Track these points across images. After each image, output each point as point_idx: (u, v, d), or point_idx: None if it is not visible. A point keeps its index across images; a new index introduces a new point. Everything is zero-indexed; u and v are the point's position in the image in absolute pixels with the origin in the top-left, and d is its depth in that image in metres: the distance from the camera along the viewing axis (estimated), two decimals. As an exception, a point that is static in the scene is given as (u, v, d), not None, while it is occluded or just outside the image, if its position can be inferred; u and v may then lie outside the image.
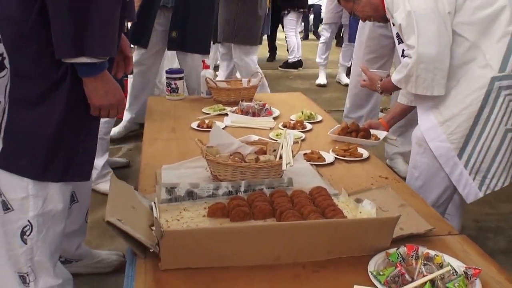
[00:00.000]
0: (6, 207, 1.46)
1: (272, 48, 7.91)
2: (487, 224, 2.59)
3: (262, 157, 1.64)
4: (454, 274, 1.10)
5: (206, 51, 3.42)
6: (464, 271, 1.10)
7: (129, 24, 2.97)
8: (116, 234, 1.16)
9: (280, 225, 1.24)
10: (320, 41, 6.02)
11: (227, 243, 1.15)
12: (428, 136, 1.99)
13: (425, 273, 1.10)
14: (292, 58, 7.15)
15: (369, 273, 1.14)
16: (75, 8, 1.32)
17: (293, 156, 1.64)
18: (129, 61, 1.80)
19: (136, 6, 2.06)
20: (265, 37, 7.22)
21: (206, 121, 2.30)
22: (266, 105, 2.55)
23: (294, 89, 5.51)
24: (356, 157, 1.95)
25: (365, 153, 1.98)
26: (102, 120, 1.69)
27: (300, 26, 7.84)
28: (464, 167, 1.92)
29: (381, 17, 2.16)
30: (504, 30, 1.89)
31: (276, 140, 1.94)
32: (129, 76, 3.38)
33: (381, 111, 3.72)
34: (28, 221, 1.48)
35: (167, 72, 2.83)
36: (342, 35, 6.55)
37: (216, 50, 5.05)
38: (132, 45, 2.76)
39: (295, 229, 1.19)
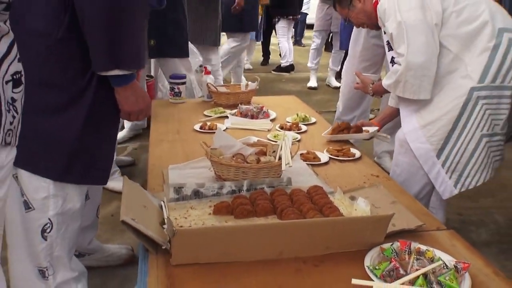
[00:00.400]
0: (28, 207, 1.45)
1: (266, 53, 7.90)
2: (470, 217, 2.60)
3: (262, 158, 1.63)
4: (445, 268, 1.10)
5: (184, 55, 3.36)
6: (454, 265, 1.10)
7: None
8: (130, 231, 1.16)
9: (282, 223, 1.24)
10: (311, 47, 6.01)
11: (233, 240, 1.15)
12: (410, 138, 2.01)
13: (417, 267, 1.10)
14: (284, 63, 7.14)
15: (366, 267, 1.14)
16: (109, 25, 1.33)
17: (292, 157, 1.64)
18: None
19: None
20: (259, 42, 7.27)
21: (208, 123, 2.29)
22: (264, 108, 2.54)
23: (286, 92, 5.52)
24: (349, 157, 1.95)
25: (357, 153, 1.98)
26: None
27: (292, 32, 7.78)
28: (441, 166, 1.95)
29: (374, 24, 2.17)
30: (486, 45, 1.90)
31: (275, 142, 1.93)
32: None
33: (371, 111, 3.73)
34: (49, 219, 1.47)
35: (170, 77, 2.82)
36: (331, 41, 6.54)
37: None
38: None
39: (296, 226, 1.20)
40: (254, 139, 1.93)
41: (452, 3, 1.94)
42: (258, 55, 7.61)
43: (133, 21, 1.39)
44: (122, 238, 2.22)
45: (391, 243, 1.19)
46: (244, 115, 2.46)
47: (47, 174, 1.45)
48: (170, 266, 1.13)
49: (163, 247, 1.15)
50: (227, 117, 2.47)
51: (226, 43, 5.15)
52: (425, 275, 1.08)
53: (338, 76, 5.86)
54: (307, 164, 1.83)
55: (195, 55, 3.55)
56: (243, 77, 5.49)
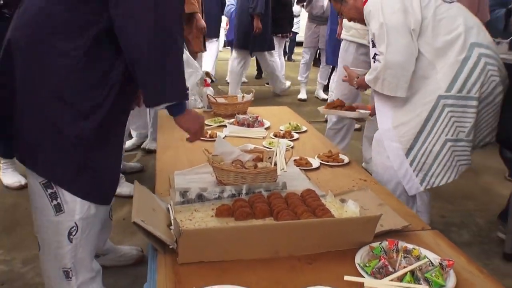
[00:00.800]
0: (60, 209, 1.42)
1: (260, 68, 7.89)
2: (452, 219, 2.59)
3: (259, 164, 1.63)
4: (431, 265, 1.10)
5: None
6: (439, 263, 1.10)
7: None
8: (140, 232, 1.16)
9: (278, 224, 1.23)
10: (301, 62, 6.02)
11: (234, 240, 1.14)
12: (385, 137, 2.03)
13: (405, 265, 1.10)
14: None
15: (357, 265, 1.13)
16: (157, 65, 1.33)
17: (286, 162, 1.64)
18: None
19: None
20: (253, 58, 7.27)
21: (209, 132, 2.28)
22: (259, 117, 2.54)
23: (279, 103, 5.51)
24: (338, 162, 1.95)
25: (346, 159, 1.98)
26: None
27: (283, 49, 7.76)
28: (409, 165, 1.95)
29: (363, 20, 2.15)
30: (456, 57, 1.90)
31: (270, 149, 1.93)
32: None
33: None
34: (75, 223, 1.44)
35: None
36: (319, 57, 6.55)
37: None
38: None
39: (291, 227, 1.19)
40: (251, 146, 1.92)
41: (432, 13, 1.93)
42: (252, 69, 7.61)
43: (177, 58, 1.40)
44: (132, 240, 2.20)
45: (379, 242, 1.19)
46: (241, 124, 2.46)
47: (60, 183, 1.41)
48: (177, 265, 1.13)
49: (170, 247, 1.15)
50: (225, 126, 2.46)
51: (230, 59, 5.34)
52: (412, 272, 1.08)
53: (325, 89, 5.87)
54: (300, 169, 1.83)
55: (196, 69, 3.54)
56: (239, 89, 5.50)
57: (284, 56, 8.52)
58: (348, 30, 3.12)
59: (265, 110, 2.99)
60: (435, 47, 1.92)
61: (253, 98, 2.81)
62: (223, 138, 2.12)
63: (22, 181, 2.83)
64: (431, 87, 1.91)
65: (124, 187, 2.67)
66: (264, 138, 2.29)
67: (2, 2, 1.37)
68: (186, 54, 3.60)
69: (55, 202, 1.42)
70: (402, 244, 1.17)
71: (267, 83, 7.12)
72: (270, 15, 5.37)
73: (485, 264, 2.13)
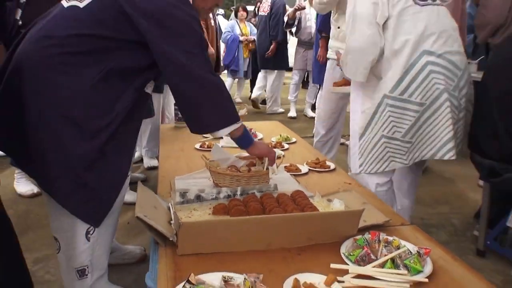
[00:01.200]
0: None
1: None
2: (430, 221, 2.60)
3: (253, 168, 1.64)
4: (409, 253, 1.10)
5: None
6: (417, 251, 1.10)
7: None
8: (143, 226, 1.15)
9: (270, 217, 1.22)
10: (291, 83, 6.08)
11: (229, 232, 1.14)
12: (354, 121, 2.09)
13: (386, 253, 1.10)
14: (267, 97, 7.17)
15: (342, 254, 1.14)
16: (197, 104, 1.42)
17: (277, 167, 1.64)
18: None
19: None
20: (248, 80, 7.33)
21: (207, 143, 2.29)
22: (252, 129, 2.54)
23: (270, 119, 5.53)
24: (325, 169, 1.95)
25: (332, 165, 1.99)
26: None
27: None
28: (358, 148, 2.02)
29: None
30: (405, 60, 1.85)
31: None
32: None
33: (342, 136, 3.76)
34: None
35: (175, 104, 2.81)
36: (307, 80, 6.61)
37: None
38: None
39: (282, 220, 1.19)
40: (245, 153, 1.93)
41: (397, 12, 1.87)
42: (246, 91, 7.65)
43: (215, 98, 1.46)
44: (136, 241, 2.19)
45: (363, 235, 1.19)
46: (236, 135, 2.47)
47: (58, 200, 1.37)
48: (177, 256, 1.12)
49: (170, 239, 1.14)
50: (221, 137, 2.46)
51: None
52: (392, 260, 1.08)
53: (313, 107, 5.90)
54: (290, 174, 1.83)
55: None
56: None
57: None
58: (334, 49, 3.08)
59: (257, 124, 3.01)
60: (393, 47, 1.88)
61: (247, 113, 2.82)
62: (220, 148, 2.14)
63: (35, 189, 2.81)
64: (382, 85, 1.91)
65: (128, 195, 2.65)
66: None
67: (20, 23, 1.37)
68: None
69: None
70: (383, 235, 1.17)
71: (261, 103, 7.16)
72: (286, 41, 5.85)
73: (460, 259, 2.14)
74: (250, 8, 7.86)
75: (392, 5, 1.87)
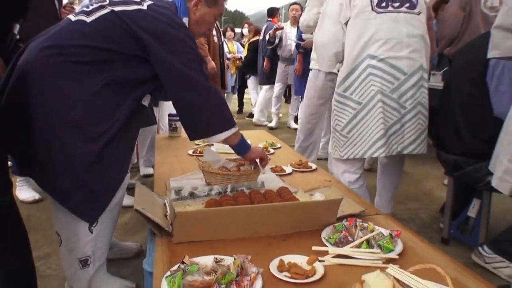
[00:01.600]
0: None
1: (241, 104, 7.92)
2: (401, 216, 2.61)
3: (242, 168, 1.65)
4: (382, 235, 1.13)
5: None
6: (389, 233, 1.13)
7: None
8: (140, 226, 1.15)
9: (257, 207, 1.23)
10: (273, 96, 6.12)
11: (221, 221, 1.15)
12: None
13: (361, 236, 1.12)
14: (255, 110, 7.21)
15: (322, 238, 1.16)
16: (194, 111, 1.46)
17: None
18: None
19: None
20: (235, 95, 7.38)
21: (199, 149, 2.30)
22: (241, 137, 2.57)
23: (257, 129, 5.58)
24: (307, 169, 1.98)
25: (313, 166, 2.01)
26: None
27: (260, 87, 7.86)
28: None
29: None
30: (353, 60, 1.93)
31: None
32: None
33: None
34: None
35: (169, 115, 2.82)
36: (289, 94, 6.66)
37: None
38: None
39: (268, 209, 1.21)
40: (234, 156, 1.94)
41: (353, 16, 1.93)
42: (234, 105, 7.69)
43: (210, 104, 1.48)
44: (133, 239, 2.16)
45: (341, 221, 1.21)
46: (225, 142, 2.47)
47: (55, 197, 1.37)
48: (172, 244, 1.13)
49: (166, 229, 1.15)
50: (212, 145, 2.48)
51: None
52: (367, 241, 1.10)
53: (296, 119, 5.95)
54: (276, 174, 1.85)
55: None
56: None
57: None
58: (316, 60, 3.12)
59: (245, 133, 2.99)
60: (347, 46, 1.95)
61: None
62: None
63: (36, 196, 2.75)
64: (336, 80, 2.04)
65: (125, 199, 2.62)
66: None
67: (18, 36, 1.37)
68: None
69: None
70: (359, 221, 1.20)
71: (247, 116, 7.19)
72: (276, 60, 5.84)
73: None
74: (237, 30, 8.02)
75: (352, 7, 1.92)
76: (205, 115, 1.45)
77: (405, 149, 1.97)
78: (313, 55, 3.16)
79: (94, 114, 1.35)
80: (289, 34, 5.48)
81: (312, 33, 3.05)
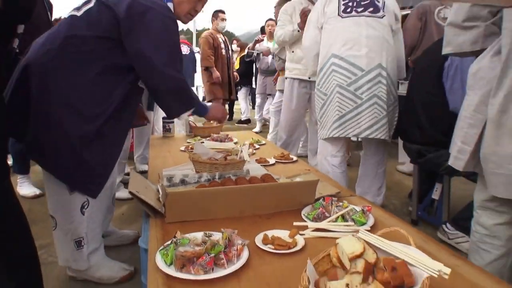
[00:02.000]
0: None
1: (231, 113, 7.93)
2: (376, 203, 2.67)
3: (229, 157, 1.65)
4: (355, 211, 1.14)
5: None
6: (361, 209, 1.14)
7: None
8: (136, 216, 1.14)
9: (243, 187, 1.23)
10: (256, 105, 6.16)
11: (210, 202, 1.15)
12: None
13: (337, 212, 1.13)
14: (244, 117, 7.21)
15: (302, 215, 1.16)
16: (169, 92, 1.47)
17: (249, 156, 1.67)
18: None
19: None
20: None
21: (190, 146, 2.29)
22: (229, 135, 2.57)
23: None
24: (289, 160, 1.99)
25: (294, 158, 2.02)
26: (123, 147, 1.69)
27: (249, 97, 7.84)
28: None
29: None
30: (321, 60, 2.12)
31: (237, 147, 1.96)
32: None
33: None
34: (87, 198, 1.40)
35: (163, 118, 2.81)
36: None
37: None
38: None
39: (253, 189, 1.21)
40: (221, 149, 1.94)
41: (325, 20, 2.11)
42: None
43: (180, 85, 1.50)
44: (130, 228, 2.14)
45: (319, 200, 1.22)
46: (215, 140, 2.46)
47: (57, 175, 1.37)
48: (165, 224, 1.12)
49: (159, 210, 1.13)
50: (203, 142, 2.47)
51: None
52: (342, 216, 1.11)
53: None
54: (260, 165, 1.85)
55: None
56: None
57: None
58: (291, 70, 3.15)
59: (233, 132, 3.03)
60: (320, 47, 2.14)
61: (224, 123, 2.84)
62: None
63: (37, 191, 2.69)
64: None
65: (122, 193, 2.60)
66: (233, 149, 2.31)
67: (17, 50, 1.37)
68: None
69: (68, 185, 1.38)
70: (335, 200, 1.21)
71: (237, 123, 7.19)
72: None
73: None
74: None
75: (324, 13, 2.11)
76: (168, 99, 1.47)
77: (361, 133, 2.07)
78: (287, 65, 3.20)
79: (91, 98, 1.36)
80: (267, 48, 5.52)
81: (285, 47, 3.13)
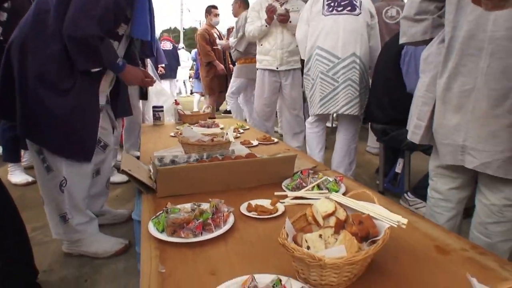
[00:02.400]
0: (50, 169, 1.39)
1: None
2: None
3: (215, 139, 1.65)
4: (329, 181, 1.17)
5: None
6: (334, 179, 1.17)
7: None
8: (129, 197, 1.14)
9: (228, 162, 1.24)
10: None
11: (198, 177, 1.16)
12: None
13: (313, 182, 1.16)
14: (229, 108, 7.15)
15: (283, 186, 1.18)
16: (84, 51, 1.38)
17: (234, 138, 1.68)
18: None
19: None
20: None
21: (179, 132, 2.27)
22: (215, 121, 2.57)
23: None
24: (270, 142, 2.01)
25: (275, 139, 2.05)
26: (115, 134, 1.68)
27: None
28: None
29: None
30: (309, 51, 2.34)
31: (223, 130, 1.97)
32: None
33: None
34: (64, 177, 1.40)
35: (153, 107, 2.78)
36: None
37: None
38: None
39: (237, 164, 1.22)
40: (208, 133, 1.94)
41: (312, 18, 2.31)
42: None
43: (100, 49, 1.40)
44: (123, 209, 2.14)
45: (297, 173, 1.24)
46: (202, 126, 2.46)
47: (49, 148, 1.39)
48: (156, 198, 1.12)
49: (151, 186, 1.14)
50: (191, 128, 2.46)
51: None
52: (318, 185, 1.14)
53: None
54: (244, 146, 1.87)
55: (169, 96, 3.54)
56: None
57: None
58: (261, 61, 3.14)
59: (219, 120, 3.03)
60: (308, 41, 2.35)
61: (210, 110, 2.84)
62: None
63: (29, 178, 2.62)
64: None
65: (116, 177, 2.58)
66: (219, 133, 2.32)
67: (1, 38, 1.36)
68: (160, 86, 3.59)
69: (45, 164, 1.39)
70: (311, 172, 1.24)
71: (223, 113, 7.15)
72: None
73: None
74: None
75: (311, 12, 2.33)
76: (74, 50, 1.37)
77: (339, 110, 2.31)
78: (257, 57, 3.20)
79: (60, 68, 1.35)
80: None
81: (256, 42, 3.15)
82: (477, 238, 1.15)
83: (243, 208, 1.02)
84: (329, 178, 1.19)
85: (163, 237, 0.84)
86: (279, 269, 0.71)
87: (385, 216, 0.71)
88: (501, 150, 1.02)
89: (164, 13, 28.95)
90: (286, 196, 1.10)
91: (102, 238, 1.56)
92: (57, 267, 1.51)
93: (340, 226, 0.72)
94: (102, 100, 1.58)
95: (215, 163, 1.21)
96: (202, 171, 1.16)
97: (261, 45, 3.10)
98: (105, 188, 1.82)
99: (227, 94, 4.37)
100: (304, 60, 2.96)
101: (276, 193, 1.11)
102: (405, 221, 0.70)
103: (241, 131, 2.39)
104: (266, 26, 2.94)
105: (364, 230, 0.69)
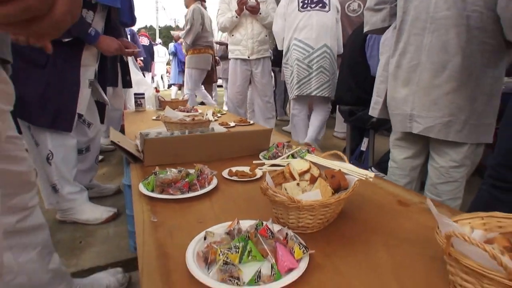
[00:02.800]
0: (37, 144, 1.34)
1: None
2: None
3: (196, 118, 1.64)
4: (302, 151, 1.20)
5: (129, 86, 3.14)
6: (306, 149, 1.21)
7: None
8: (116, 174, 1.11)
9: (211, 134, 1.25)
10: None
11: (182, 148, 1.15)
12: None
13: (288, 152, 1.19)
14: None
15: (260, 156, 1.21)
16: None
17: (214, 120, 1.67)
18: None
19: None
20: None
21: (161, 116, 2.23)
22: (194, 107, 2.54)
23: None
24: (246, 123, 2.01)
25: (251, 122, 2.06)
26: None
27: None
28: None
29: None
30: (287, 43, 2.49)
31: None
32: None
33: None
34: (50, 150, 1.36)
35: (135, 94, 2.69)
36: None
37: None
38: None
39: (218, 136, 1.23)
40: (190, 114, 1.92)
41: (288, 13, 2.46)
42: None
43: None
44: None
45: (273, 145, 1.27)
46: (182, 111, 2.42)
47: (31, 121, 1.35)
48: (144, 167, 1.11)
49: (138, 157, 1.12)
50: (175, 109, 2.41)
51: None
52: (292, 155, 1.17)
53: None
54: (223, 127, 1.86)
55: (149, 86, 3.44)
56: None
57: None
58: (233, 51, 3.12)
59: (199, 106, 3.00)
60: (285, 34, 2.50)
61: (188, 98, 2.80)
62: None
63: None
64: None
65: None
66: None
67: None
68: (140, 76, 3.48)
69: (34, 140, 1.35)
70: (285, 144, 1.27)
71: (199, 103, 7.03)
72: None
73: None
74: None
75: (288, 8, 2.46)
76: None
77: (312, 92, 2.51)
78: (230, 48, 3.19)
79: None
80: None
81: (227, 33, 3.14)
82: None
83: (225, 173, 1.03)
84: (302, 149, 1.23)
85: (153, 194, 0.84)
86: (259, 218, 0.73)
87: (354, 171, 0.75)
88: (441, 115, 1.11)
89: (139, 11, 27.94)
90: (263, 164, 1.12)
91: (93, 207, 1.53)
92: (52, 232, 1.47)
93: (314, 181, 0.76)
94: (90, 75, 1.51)
95: (199, 134, 1.22)
96: (187, 141, 1.16)
97: (233, 35, 3.09)
98: (94, 164, 1.77)
99: (184, 90, 4.26)
100: (276, 51, 3.01)
101: (254, 162, 1.13)
102: (372, 174, 0.74)
103: (219, 115, 2.38)
104: (237, 17, 2.94)
105: (336, 182, 0.73)
